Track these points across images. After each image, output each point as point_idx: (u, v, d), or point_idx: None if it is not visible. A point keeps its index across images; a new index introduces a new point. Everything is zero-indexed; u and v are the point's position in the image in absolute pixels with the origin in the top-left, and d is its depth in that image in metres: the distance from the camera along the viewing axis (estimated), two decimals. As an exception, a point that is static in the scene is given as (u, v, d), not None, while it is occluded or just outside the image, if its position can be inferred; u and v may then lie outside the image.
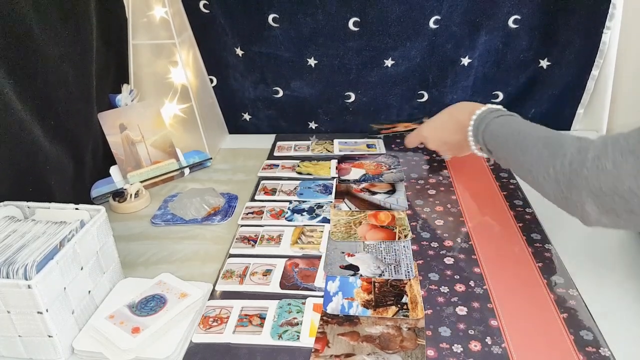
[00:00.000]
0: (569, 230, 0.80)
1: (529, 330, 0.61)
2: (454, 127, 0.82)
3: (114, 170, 1.00)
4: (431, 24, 1.04)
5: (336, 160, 1.07)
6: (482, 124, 0.75)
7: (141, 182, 0.99)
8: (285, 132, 1.24)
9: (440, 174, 1.00)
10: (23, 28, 0.74)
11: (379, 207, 0.89)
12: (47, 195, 0.80)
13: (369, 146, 1.14)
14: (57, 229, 0.64)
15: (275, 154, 1.14)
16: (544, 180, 0.60)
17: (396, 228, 0.82)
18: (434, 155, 1.07)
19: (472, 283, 0.69)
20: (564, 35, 1.03)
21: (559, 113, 1.13)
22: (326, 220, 0.86)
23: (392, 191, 0.94)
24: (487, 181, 0.96)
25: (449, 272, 0.72)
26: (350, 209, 0.89)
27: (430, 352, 0.58)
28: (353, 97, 1.17)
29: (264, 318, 0.65)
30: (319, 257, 0.77)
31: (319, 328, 0.63)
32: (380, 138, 1.16)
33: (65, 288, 0.60)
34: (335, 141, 1.17)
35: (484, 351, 0.58)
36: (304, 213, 0.88)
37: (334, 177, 1.01)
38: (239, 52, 1.13)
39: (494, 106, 0.77)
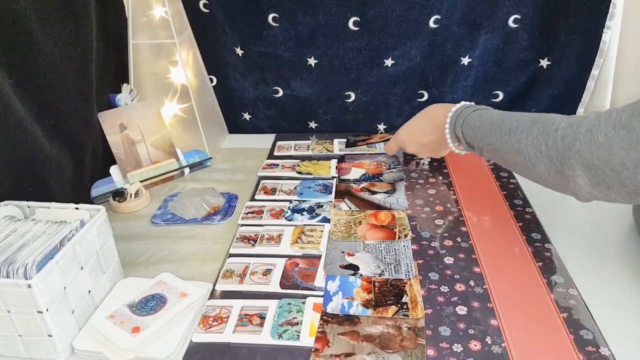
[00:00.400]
0: (569, 230, 0.80)
1: (529, 329, 0.61)
2: (431, 128, 0.83)
3: (114, 169, 1.00)
4: (431, 24, 1.04)
5: (336, 160, 1.08)
6: (460, 120, 0.76)
7: (141, 181, 0.99)
8: (285, 132, 1.24)
9: (440, 174, 1.00)
10: (23, 28, 0.74)
11: (379, 207, 0.89)
12: (47, 195, 0.80)
13: (369, 146, 1.14)
14: (57, 228, 0.64)
15: (275, 153, 1.14)
16: (537, 158, 0.61)
17: (396, 228, 0.82)
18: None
19: (472, 283, 0.69)
20: (564, 35, 1.03)
21: (559, 113, 1.12)
22: (326, 220, 0.86)
23: (392, 191, 0.94)
24: (487, 181, 0.96)
25: (449, 272, 0.72)
26: (350, 208, 0.89)
27: (430, 352, 0.58)
28: (353, 97, 1.17)
29: (264, 317, 0.65)
30: (319, 257, 0.77)
31: (319, 327, 0.63)
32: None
33: (65, 287, 0.60)
34: (335, 141, 1.17)
35: (484, 351, 0.58)
36: (304, 213, 0.88)
37: (334, 177, 1.01)
38: (239, 51, 1.13)
39: (468, 103, 0.78)
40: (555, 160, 0.59)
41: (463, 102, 0.78)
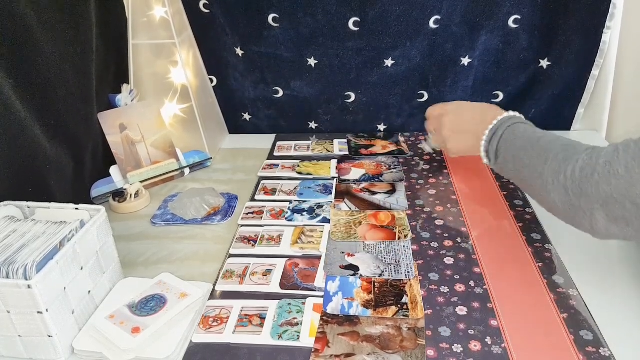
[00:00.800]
0: (569, 230, 0.79)
1: (529, 330, 0.61)
2: (480, 117, 0.78)
3: (114, 170, 1.00)
4: (431, 24, 1.04)
5: (336, 160, 1.07)
6: (509, 121, 0.73)
7: (141, 182, 0.99)
8: (285, 132, 1.24)
9: (440, 174, 1.00)
10: (23, 28, 0.74)
11: (379, 207, 0.89)
12: (47, 195, 0.80)
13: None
14: (57, 228, 0.64)
15: (275, 154, 1.14)
16: (553, 186, 0.60)
17: (396, 228, 0.82)
18: (434, 154, 1.07)
19: (472, 283, 0.69)
20: (564, 35, 1.03)
21: (559, 113, 1.13)
22: (326, 220, 0.86)
23: (392, 191, 0.94)
24: (487, 181, 0.96)
25: (449, 272, 0.72)
26: (350, 209, 0.89)
27: (430, 352, 0.58)
28: (353, 97, 1.17)
29: (264, 318, 0.65)
30: (319, 257, 0.77)
31: (319, 328, 0.63)
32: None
33: (65, 288, 0.60)
34: (335, 141, 1.17)
35: (484, 351, 0.58)
36: (304, 213, 0.88)
37: (334, 177, 1.01)
38: (239, 52, 1.13)
39: (517, 114, 0.76)
40: (570, 193, 0.57)
41: (511, 113, 0.76)
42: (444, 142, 0.86)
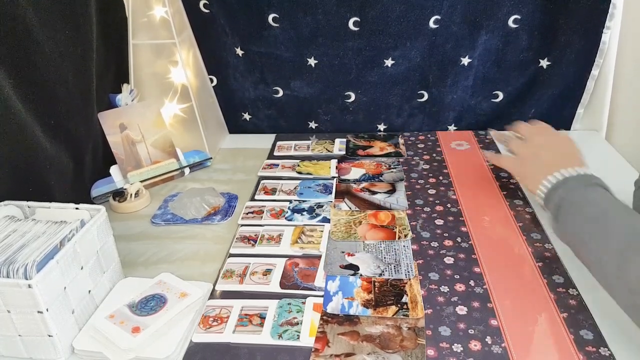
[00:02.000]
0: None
1: (529, 330, 0.61)
2: (561, 154, 0.72)
3: (114, 169, 1.00)
4: (431, 24, 1.04)
5: (336, 160, 1.07)
6: (585, 179, 0.67)
7: (141, 181, 0.99)
8: (285, 132, 1.24)
9: (440, 174, 1.00)
10: (23, 28, 0.74)
11: (379, 207, 0.89)
12: (47, 195, 0.80)
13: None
14: (58, 228, 0.64)
15: (275, 153, 1.14)
16: (616, 281, 0.55)
17: (396, 228, 0.82)
18: (434, 154, 1.07)
19: (472, 283, 0.69)
20: (564, 35, 1.03)
21: (559, 113, 1.13)
22: (326, 220, 0.86)
23: (392, 191, 0.94)
24: (487, 181, 0.96)
25: (449, 272, 0.72)
26: (350, 208, 0.89)
27: (430, 352, 0.58)
28: (353, 97, 1.17)
29: (264, 318, 0.65)
30: (319, 257, 0.77)
31: (319, 328, 0.63)
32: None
33: (65, 288, 0.60)
34: (336, 141, 1.17)
35: (484, 351, 0.58)
36: (304, 213, 0.88)
37: (334, 177, 1.01)
38: (239, 52, 1.13)
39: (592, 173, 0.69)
40: (635, 295, 0.52)
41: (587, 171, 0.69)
42: (517, 159, 0.80)
